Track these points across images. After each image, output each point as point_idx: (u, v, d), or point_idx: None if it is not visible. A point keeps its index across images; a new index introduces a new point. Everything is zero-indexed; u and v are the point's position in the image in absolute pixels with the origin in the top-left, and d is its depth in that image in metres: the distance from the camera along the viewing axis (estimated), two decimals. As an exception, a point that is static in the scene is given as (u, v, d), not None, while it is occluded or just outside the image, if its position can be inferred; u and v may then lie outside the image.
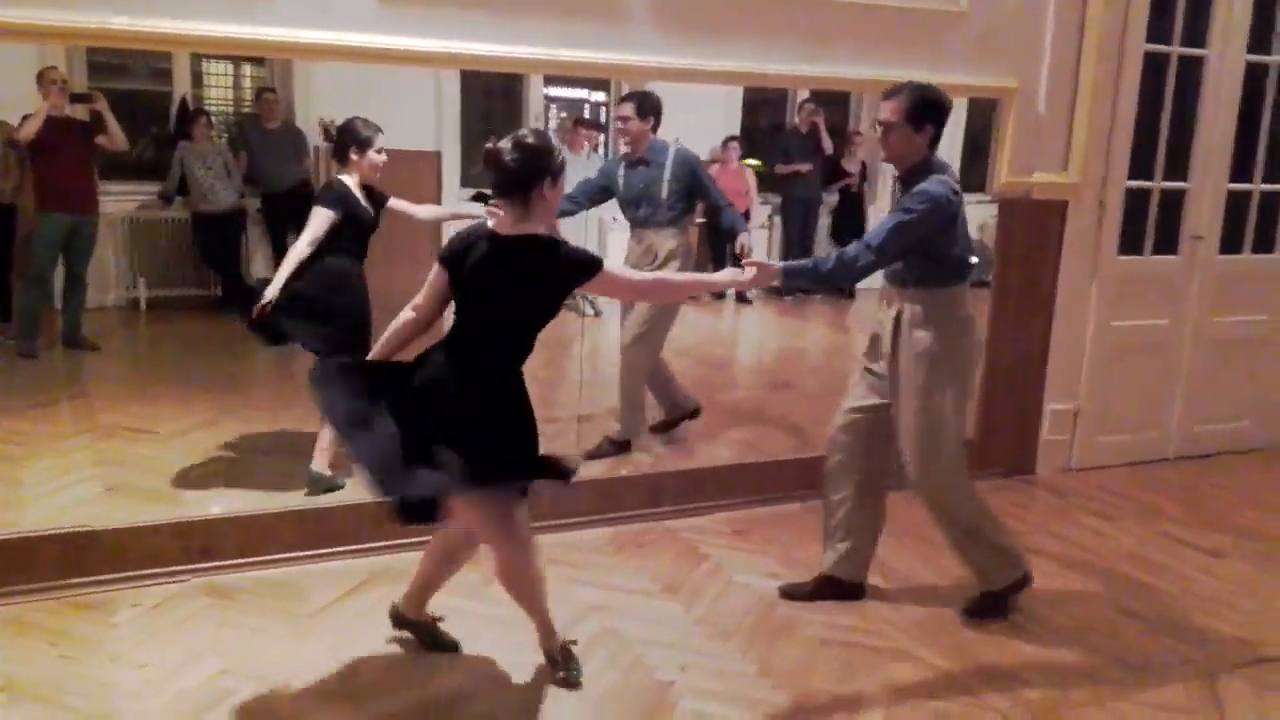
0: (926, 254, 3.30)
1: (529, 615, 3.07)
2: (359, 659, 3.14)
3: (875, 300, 3.55)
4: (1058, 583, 3.88)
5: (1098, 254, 5.01)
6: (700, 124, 8.71)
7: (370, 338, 4.04)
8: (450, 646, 3.24)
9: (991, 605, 3.58)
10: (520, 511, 2.94)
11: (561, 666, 3.07)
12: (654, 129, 4.90)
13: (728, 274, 3.35)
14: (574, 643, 3.16)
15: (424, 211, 4.59)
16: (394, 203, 4.42)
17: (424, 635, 3.25)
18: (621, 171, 4.97)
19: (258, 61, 8.47)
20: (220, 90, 8.70)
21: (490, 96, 9.39)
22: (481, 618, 3.41)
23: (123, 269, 7.80)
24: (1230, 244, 5.35)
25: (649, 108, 4.88)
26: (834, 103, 10.26)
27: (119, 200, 7.60)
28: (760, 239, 9.95)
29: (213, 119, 8.00)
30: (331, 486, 4.22)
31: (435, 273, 2.89)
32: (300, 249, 4.08)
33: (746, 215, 9.40)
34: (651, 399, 5.15)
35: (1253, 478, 5.24)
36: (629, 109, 4.87)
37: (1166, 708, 3.10)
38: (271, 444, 4.82)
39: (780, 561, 3.99)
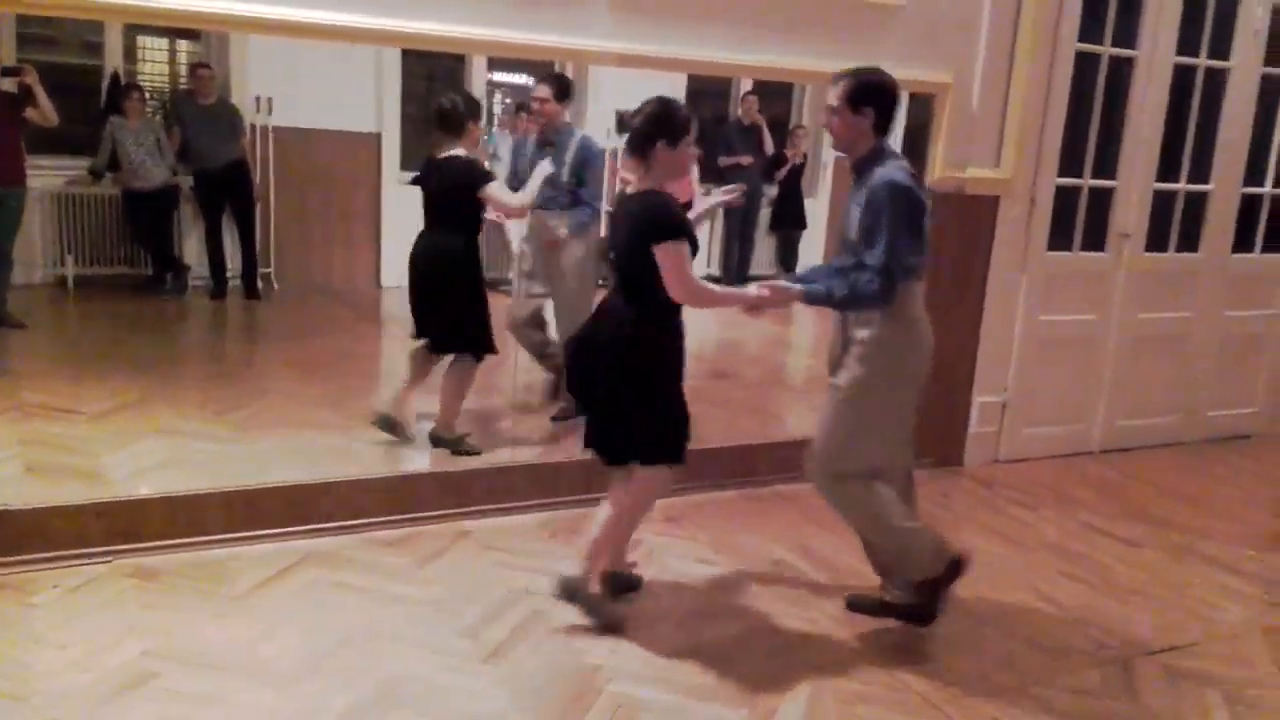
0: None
1: (594, 547, 3.30)
2: (284, 642, 3.11)
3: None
4: (981, 571, 3.94)
5: (1028, 249, 5.10)
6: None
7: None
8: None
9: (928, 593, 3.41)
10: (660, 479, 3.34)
11: (592, 605, 3.29)
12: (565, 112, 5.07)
13: (753, 290, 3.27)
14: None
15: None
16: None
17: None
18: (530, 151, 5.13)
19: (193, 36, 8.31)
20: (155, 65, 8.51)
21: (432, 80, 9.31)
22: (415, 601, 3.42)
23: (50, 246, 7.61)
24: (1156, 242, 5.47)
25: (564, 90, 5.02)
26: (777, 95, 10.31)
27: (47, 175, 7.40)
28: (701, 232, 9.96)
29: (146, 94, 7.83)
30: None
31: None
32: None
33: (689, 205, 9.42)
34: None
35: (1171, 471, 5.37)
36: (546, 91, 4.97)
37: (1083, 692, 3.18)
38: (198, 425, 4.75)
39: (712, 547, 4.02)
